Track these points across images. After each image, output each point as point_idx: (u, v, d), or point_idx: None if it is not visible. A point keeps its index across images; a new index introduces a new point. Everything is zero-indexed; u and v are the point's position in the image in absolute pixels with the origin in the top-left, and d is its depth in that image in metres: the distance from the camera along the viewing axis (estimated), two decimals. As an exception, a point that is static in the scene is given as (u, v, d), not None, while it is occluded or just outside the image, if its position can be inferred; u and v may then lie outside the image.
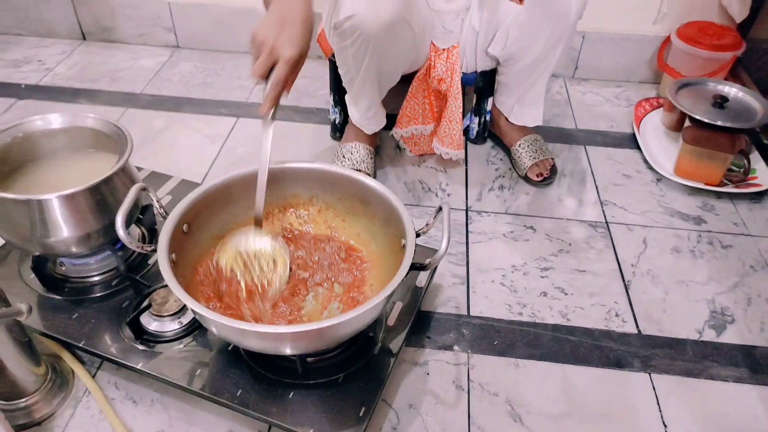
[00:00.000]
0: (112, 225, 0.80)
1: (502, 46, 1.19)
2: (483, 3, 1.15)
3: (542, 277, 1.09)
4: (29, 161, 0.96)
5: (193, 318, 0.89)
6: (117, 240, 0.95)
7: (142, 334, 0.87)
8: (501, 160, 1.38)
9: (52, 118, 0.96)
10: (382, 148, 1.40)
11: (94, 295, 0.94)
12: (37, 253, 0.94)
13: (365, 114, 1.24)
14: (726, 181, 1.30)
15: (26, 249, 0.92)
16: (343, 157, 1.28)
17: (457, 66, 1.19)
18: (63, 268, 0.97)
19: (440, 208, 0.81)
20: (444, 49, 1.19)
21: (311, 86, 1.62)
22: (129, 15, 1.76)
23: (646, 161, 1.37)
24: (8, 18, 1.82)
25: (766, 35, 1.57)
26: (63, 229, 0.85)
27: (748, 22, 1.54)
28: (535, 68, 1.18)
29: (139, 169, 1.20)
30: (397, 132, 1.30)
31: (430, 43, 1.19)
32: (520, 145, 1.32)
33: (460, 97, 1.22)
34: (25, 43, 1.82)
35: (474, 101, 1.36)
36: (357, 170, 1.06)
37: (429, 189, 1.29)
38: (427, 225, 0.84)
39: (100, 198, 0.87)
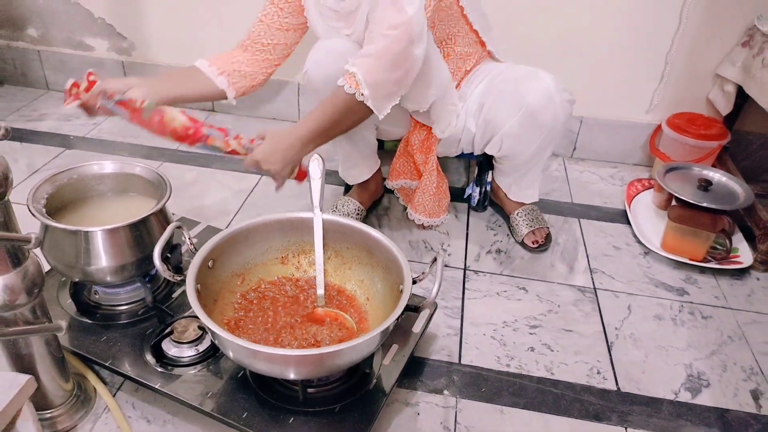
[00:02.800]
0: (145, 259, 0.93)
1: (497, 149, 1.31)
2: (479, 115, 1.29)
3: (531, 333, 1.17)
4: (80, 199, 1.09)
5: (209, 346, 0.98)
6: (147, 273, 1.07)
7: (162, 358, 0.97)
8: (500, 226, 1.49)
9: (105, 164, 1.10)
10: (390, 209, 1.53)
11: (121, 322, 1.04)
12: (77, 279, 1.06)
13: (344, 164, 1.42)
14: (710, 258, 1.39)
15: (69, 275, 1.03)
16: (335, 208, 1.44)
17: (434, 148, 1.33)
18: (97, 296, 1.08)
19: (435, 259, 0.92)
20: (424, 127, 1.33)
21: (331, 150, 1.77)
22: (172, 80, 1.96)
23: (635, 235, 1.47)
24: (64, 78, 2.02)
25: (751, 128, 1.71)
26: (103, 259, 0.97)
27: (734, 115, 1.68)
28: (527, 164, 1.33)
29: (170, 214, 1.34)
30: (389, 183, 1.47)
31: (408, 115, 1.34)
32: (518, 214, 1.44)
33: (434, 174, 1.36)
34: (77, 100, 2.02)
35: (476, 173, 1.49)
36: None
37: (431, 248, 1.40)
38: (423, 273, 0.95)
39: (138, 234, 1.00)
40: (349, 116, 1.11)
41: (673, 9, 1.59)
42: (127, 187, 1.12)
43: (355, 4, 1.15)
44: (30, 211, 0.95)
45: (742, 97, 1.60)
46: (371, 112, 1.10)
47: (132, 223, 0.98)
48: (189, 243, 0.96)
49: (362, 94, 1.06)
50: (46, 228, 0.97)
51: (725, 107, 1.64)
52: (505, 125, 1.25)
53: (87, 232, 0.96)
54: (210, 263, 0.96)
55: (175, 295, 1.10)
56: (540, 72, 1.22)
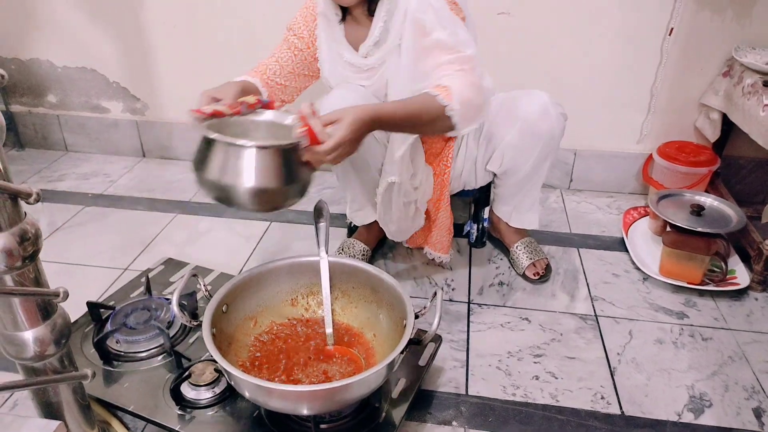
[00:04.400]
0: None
1: (499, 164, 1.38)
2: (479, 134, 1.37)
3: (535, 362, 1.21)
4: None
5: (225, 387, 1.03)
6: (168, 322, 1.13)
7: (181, 401, 1.02)
8: (501, 260, 1.54)
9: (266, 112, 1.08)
10: (396, 249, 1.59)
11: (142, 368, 1.10)
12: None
13: (351, 206, 1.46)
14: (707, 281, 1.43)
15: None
16: (342, 250, 1.49)
17: (447, 184, 1.39)
18: (118, 345, 1.14)
19: (435, 294, 0.98)
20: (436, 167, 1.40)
21: (336, 195, 1.86)
22: (184, 137, 2.07)
23: (633, 262, 1.52)
24: (82, 140, 2.15)
25: (741, 153, 1.77)
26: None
27: (723, 141, 1.74)
28: (528, 180, 1.38)
29: (185, 263, 1.41)
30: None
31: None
32: (517, 247, 1.49)
33: (448, 210, 1.41)
34: (94, 159, 2.13)
35: (472, 210, 1.56)
36: None
37: (436, 283, 1.45)
38: (425, 308, 1.00)
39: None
40: (429, 123, 1.11)
41: (655, 44, 1.67)
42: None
43: (379, 61, 1.23)
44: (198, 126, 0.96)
45: (728, 124, 1.66)
46: (448, 129, 1.13)
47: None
48: (204, 289, 1.03)
49: (452, 109, 1.08)
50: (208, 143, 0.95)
51: (713, 134, 1.70)
52: (505, 138, 1.32)
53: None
54: (224, 308, 1.02)
55: (191, 340, 1.16)
56: (534, 90, 1.31)
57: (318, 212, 1.13)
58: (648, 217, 1.67)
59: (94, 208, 1.81)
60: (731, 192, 1.70)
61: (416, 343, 0.94)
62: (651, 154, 1.78)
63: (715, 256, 1.41)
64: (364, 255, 1.49)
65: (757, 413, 1.10)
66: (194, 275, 1.02)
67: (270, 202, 0.97)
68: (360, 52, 1.25)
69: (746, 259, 1.48)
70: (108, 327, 1.16)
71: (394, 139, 1.25)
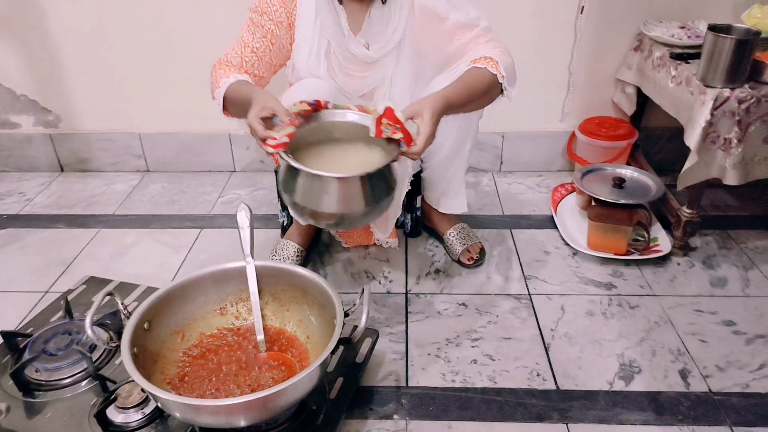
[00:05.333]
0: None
1: None
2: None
3: (473, 346, 1.22)
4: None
5: (155, 407, 0.99)
6: (91, 345, 1.08)
7: (108, 426, 0.97)
8: (437, 247, 1.55)
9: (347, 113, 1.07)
10: (332, 245, 1.57)
11: (66, 396, 1.04)
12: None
13: None
14: (632, 250, 1.48)
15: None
16: (275, 252, 1.46)
17: None
18: (38, 373, 1.07)
19: (363, 290, 0.97)
20: None
21: (269, 196, 1.82)
22: (104, 147, 1.98)
23: (563, 238, 1.56)
24: (-7, 157, 2.02)
25: (657, 123, 1.83)
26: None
27: (639, 114, 1.80)
28: (450, 163, 1.38)
29: (109, 280, 1.34)
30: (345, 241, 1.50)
31: None
32: (450, 234, 1.50)
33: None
34: (7, 178, 2.00)
35: (405, 200, 1.55)
36: None
37: (373, 277, 1.44)
38: (354, 305, 0.99)
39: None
40: (486, 95, 1.16)
41: (568, 23, 1.71)
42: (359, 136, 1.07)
43: (383, 53, 1.23)
44: (282, 156, 0.97)
45: (643, 97, 1.72)
46: (497, 96, 1.19)
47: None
48: (122, 308, 0.98)
49: (503, 76, 1.14)
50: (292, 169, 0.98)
51: (629, 108, 1.76)
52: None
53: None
54: (146, 325, 0.98)
55: (117, 361, 1.11)
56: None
57: (241, 216, 1.10)
58: (575, 193, 1.72)
59: (9, 230, 1.70)
60: (651, 162, 1.77)
61: (347, 341, 0.93)
62: (574, 132, 1.82)
63: (638, 226, 1.46)
64: (298, 256, 1.47)
65: (683, 374, 1.14)
66: (110, 293, 0.97)
67: (380, 213, 1.06)
68: (359, 39, 1.23)
69: (667, 226, 1.54)
70: (26, 355, 1.10)
71: None
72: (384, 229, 1.46)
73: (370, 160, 1.03)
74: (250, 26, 1.24)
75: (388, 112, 1.00)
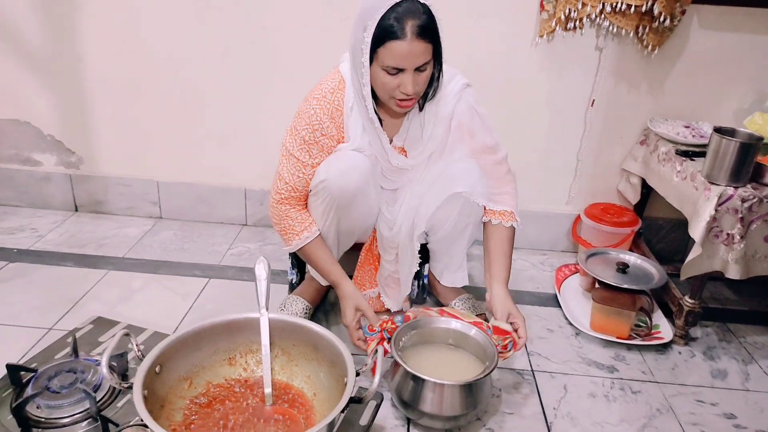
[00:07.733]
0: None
1: (424, 222, 1.40)
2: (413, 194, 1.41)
3: (477, 419, 1.22)
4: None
5: (156, 454, 0.98)
6: (95, 385, 1.07)
7: (106, 471, 0.96)
8: (441, 316, 1.57)
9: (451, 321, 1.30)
10: (337, 304, 1.57)
11: (64, 436, 1.03)
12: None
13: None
14: (634, 335, 1.50)
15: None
16: (284, 307, 1.48)
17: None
18: (39, 410, 1.06)
19: (376, 351, 0.98)
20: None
21: (278, 251, 1.84)
22: (120, 191, 2.02)
23: (566, 318, 1.58)
24: (9, 192, 2.05)
25: (659, 214, 1.90)
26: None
27: (643, 204, 1.87)
28: (453, 241, 1.43)
29: (116, 322, 1.35)
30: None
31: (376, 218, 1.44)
32: (455, 304, 1.52)
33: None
34: (21, 213, 2.03)
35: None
36: None
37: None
38: (365, 365, 1.00)
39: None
40: (512, 245, 1.41)
41: (579, 114, 1.80)
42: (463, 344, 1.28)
43: (418, 162, 1.35)
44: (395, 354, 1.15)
45: (647, 188, 1.80)
46: None
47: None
48: (137, 349, 0.99)
49: (518, 222, 1.40)
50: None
51: (633, 197, 1.83)
52: (428, 198, 1.37)
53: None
54: (157, 368, 0.98)
55: (120, 404, 1.10)
56: (472, 161, 1.38)
57: (259, 269, 1.13)
58: (578, 273, 1.76)
59: (18, 264, 1.71)
60: (652, 251, 1.82)
61: (357, 401, 0.93)
62: (579, 215, 1.88)
63: (641, 311, 1.49)
64: (306, 313, 1.48)
65: (685, 464, 1.14)
66: (126, 334, 0.98)
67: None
68: (394, 143, 1.34)
69: (669, 314, 1.57)
70: (28, 391, 1.09)
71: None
72: (396, 302, 1.50)
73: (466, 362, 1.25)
74: (302, 145, 1.28)
75: (496, 330, 1.25)
